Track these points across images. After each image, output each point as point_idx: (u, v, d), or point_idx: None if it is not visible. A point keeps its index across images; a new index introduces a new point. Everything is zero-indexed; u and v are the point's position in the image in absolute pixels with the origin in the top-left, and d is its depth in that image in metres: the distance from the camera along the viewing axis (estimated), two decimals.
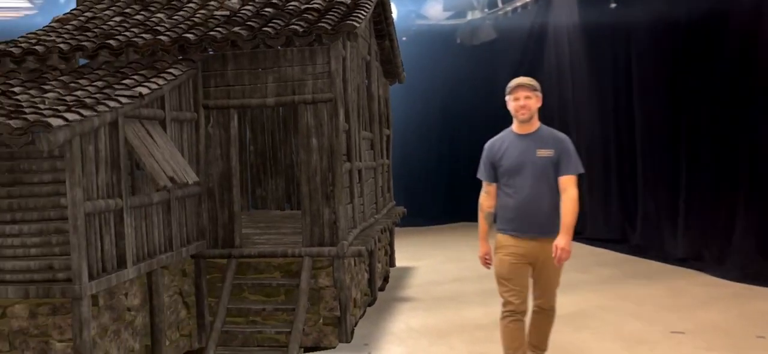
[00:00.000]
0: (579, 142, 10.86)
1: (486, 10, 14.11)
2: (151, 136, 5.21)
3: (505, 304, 4.26)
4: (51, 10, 11.65)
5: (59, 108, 4.53)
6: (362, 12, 6.26)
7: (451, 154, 14.64)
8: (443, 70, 14.62)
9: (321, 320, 6.04)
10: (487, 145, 4.38)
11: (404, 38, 12.98)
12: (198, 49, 6.00)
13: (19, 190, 4.48)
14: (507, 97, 4.25)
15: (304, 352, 5.88)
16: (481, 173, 4.40)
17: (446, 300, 7.54)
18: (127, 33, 6.23)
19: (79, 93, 5.10)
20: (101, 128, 4.66)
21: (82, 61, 6.19)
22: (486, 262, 4.42)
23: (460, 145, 14.28)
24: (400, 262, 9.94)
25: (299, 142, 6.15)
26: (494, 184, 4.34)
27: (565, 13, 11.73)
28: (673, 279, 8.15)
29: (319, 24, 5.91)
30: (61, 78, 5.65)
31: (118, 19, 6.70)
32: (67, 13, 7.06)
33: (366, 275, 7.35)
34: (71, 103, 4.70)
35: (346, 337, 6.03)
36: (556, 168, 4.14)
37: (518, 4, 13.18)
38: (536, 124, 4.25)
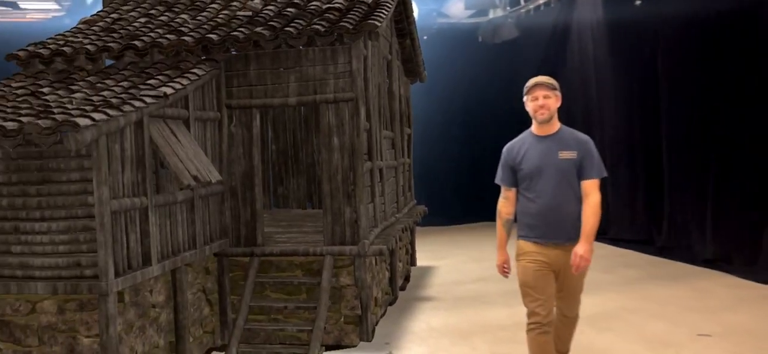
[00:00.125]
0: (603, 142, 10.78)
1: (508, 8, 14.01)
2: (175, 136, 5.27)
3: (531, 315, 4.04)
4: (78, 12, 11.89)
5: (86, 108, 4.61)
6: (384, 11, 6.26)
7: (472, 153, 14.57)
8: (464, 68, 14.55)
9: (342, 319, 6.05)
10: (505, 148, 4.20)
11: (425, 37, 12.95)
12: (221, 49, 6.06)
13: (48, 188, 4.57)
14: (525, 98, 4.07)
15: (326, 350, 5.90)
16: (500, 178, 4.20)
17: (468, 300, 7.51)
18: (151, 34, 6.32)
19: (105, 93, 5.19)
20: (127, 128, 4.74)
21: (108, 62, 6.30)
22: (504, 271, 4.22)
23: (481, 144, 14.20)
24: (421, 261, 9.92)
25: (321, 142, 6.17)
26: (514, 190, 4.14)
27: (588, 11, 11.58)
28: (699, 280, 8.00)
29: (341, 23, 5.92)
30: (88, 78, 5.76)
31: (143, 20, 6.80)
32: (94, 14, 7.19)
33: (387, 274, 7.35)
34: (98, 103, 4.79)
35: (367, 335, 6.03)
36: (579, 171, 3.96)
37: (541, 1, 13.06)
38: (556, 124, 4.07)
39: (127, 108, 4.69)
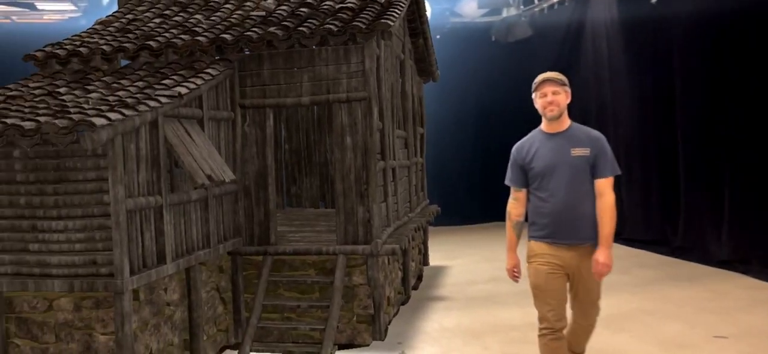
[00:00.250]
0: (618, 141, 10.68)
1: (522, 6, 13.93)
2: (189, 135, 5.31)
3: (542, 319, 3.95)
4: (94, 13, 12.03)
5: (102, 108, 4.66)
6: (396, 10, 6.26)
7: (485, 153, 14.52)
8: (477, 68, 14.50)
9: (355, 318, 6.06)
10: (514, 147, 4.07)
11: (438, 36, 12.93)
12: (235, 49, 6.09)
13: (65, 187, 4.63)
14: (533, 94, 3.95)
15: (338, 349, 5.91)
16: (510, 178, 4.06)
17: (481, 300, 7.48)
18: (166, 34, 6.37)
19: (121, 93, 5.24)
20: (142, 127, 4.78)
21: (124, 62, 6.37)
22: (514, 275, 4.07)
23: (494, 143, 14.12)
24: (434, 261, 9.91)
25: (333, 141, 6.19)
26: (524, 190, 4.01)
27: (603, 9, 11.49)
28: (716, 282, 7.90)
29: (354, 23, 5.93)
30: (103, 79, 5.82)
31: (157, 20, 6.86)
32: (110, 15, 7.26)
33: (400, 274, 7.35)
34: (114, 103, 4.84)
35: (379, 335, 6.04)
36: (592, 169, 3.83)
37: (555, 0, 12.97)
38: (567, 121, 3.94)
39: (142, 108, 4.73)
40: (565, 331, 4.04)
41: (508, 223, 4.10)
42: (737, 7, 8.40)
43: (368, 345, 6.00)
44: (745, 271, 8.16)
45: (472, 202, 14.43)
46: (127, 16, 7.09)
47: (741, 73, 8.41)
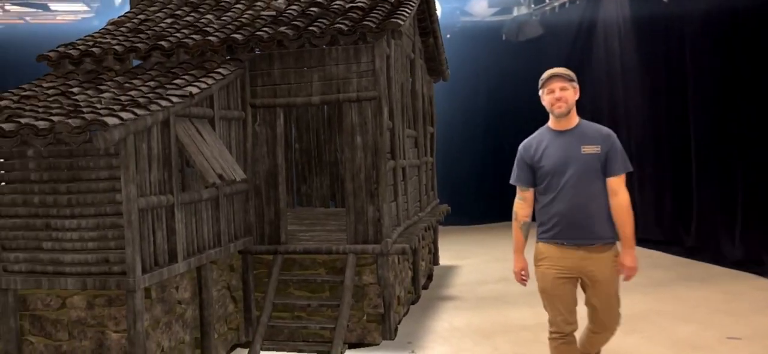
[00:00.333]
0: (630, 140, 10.60)
1: (532, 5, 13.86)
2: (200, 135, 5.34)
3: (552, 323, 3.86)
4: (107, 13, 12.11)
5: (115, 107, 4.70)
6: (406, 10, 6.25)
7: (496, 153, 14.46)
8: (488, 67, 14.45)
9: (365, 317, 6.07)
10: (522, 146, 3.93)
11: (448, 35, 12.90)
12: (245, 48, 6.12)
13: (78, 186, 4.67)
14: (540, 91, 3.82)
15: (349, 348, 5.92)
16: (516, 178, 3.92)
17: (491, 300, 7.46)
18: (177, 34, 6.41)
19: (133, 93, 5.28)
20: (154, 127, 4.81)
21: (136, 62, 6.41)
22: (522, 278, 3.95)
23: (505, 143, 14.05)
24: (444, 260, 9.89)
25: (344, 140, 6.19)
26: (531, 190, 3.87)
27: (615, 8, 11.41)
28: (729, 283, 7.82)
29: (364, 22, 5.93)
30: (116, 78, 5.87)
31: (169, 20, 6.90)
32: (122, 15, 7.32)
33: (410, 273, 7.35)
34: (126, 103, 4.88)
35: (389, 334, 6.04)
36: (604, 166, 3.71)
37: None
38: (575, 118, 3.81)
39: (154, 107, 4.76)
40: (578, 335, 3.93)
41: (514, 224, 3.96)
42: (750, 4, 8.30)
43: (378, 344, 6.00)
44: (759, 272, 8.06)
45: (483, 201, 14.38)
46: (139, 17, 7.14)
47: (754, 71, 8.32)
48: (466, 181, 14.45)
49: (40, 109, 4.88)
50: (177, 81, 5.53)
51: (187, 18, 6.93)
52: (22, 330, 4.84)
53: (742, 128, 8.62)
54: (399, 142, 6.73)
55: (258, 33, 6.10)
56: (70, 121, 4.32)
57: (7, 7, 13.39)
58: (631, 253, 3.71)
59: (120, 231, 4.56)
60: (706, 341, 5.62)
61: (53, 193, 4.71)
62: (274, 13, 6.65)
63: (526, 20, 13.78)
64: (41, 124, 4.35)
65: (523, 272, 3.96)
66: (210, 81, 5.56)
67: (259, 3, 7.04)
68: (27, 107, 4.98)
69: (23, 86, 5.85)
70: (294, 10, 6.64)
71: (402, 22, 5.96)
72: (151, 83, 5.59)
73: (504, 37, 14.31)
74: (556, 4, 13.19)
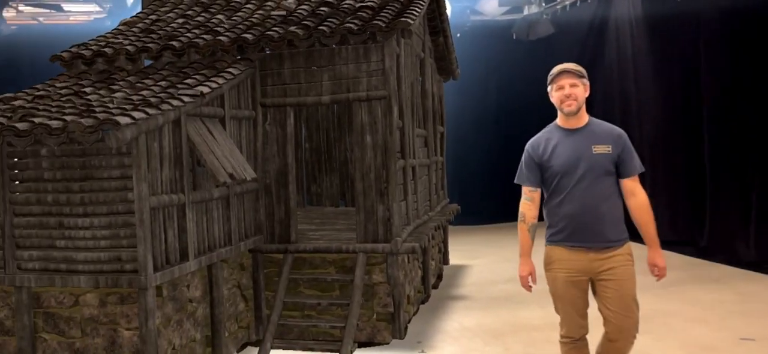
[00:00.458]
0: (642, 140, 10.51)
1: (543, 4, 13.79)
2: (211, 134, 5.37)
3: (562, 327, 3.77)
4: (119, 14, 12.22)
5: (127, 107, 4.74)
6: (416, 9, 6.25)
7: (506, 152, 14.35)
8: (498, 66, 14.40)
9: (375, 316, 6.07)
10: (529, 144, 3.76)
11: (458, 34, 12.87)
12: (256, 48, 6.14)
13: (90, 184, 4.71)
14: (549, 87, 3.68)
15: (358, 347, 5.93)
16: (523, 177, 3.75)
17: (501, 300, 7.43)
18: (188, 34, 6.45)
19: (144, 92, 5.32)
20: (165, 126, 4.85)
21: (147, 62, 6.46)
22: (528, 284, 3.76)
23: (515, 143, 13.93)
24: (454, 260, 9.87)
25: (353, 140, 6.20)
26: (539, 190, 3.72)
27: (626, 6, 11.33)
28: (743, 283, 7.74)
29: (374, 22, 5.93)
30: (128, 78, 5.92)
31: (180, 21, 6.95)
32: (133, 16, 7.37)
33: (420, 272, 7.34)
34: (137, 102, 4.91)
35: (399, 333, 6.04)
36: (616, 166, 3.59)
37: None
38: (585, 116, 3.67)
39: (165, 107, 4.79)
40: (594, 347, 3.80)
41: (521, 226, 3.76)
42: (765, 1, 8.21)
43: (388, 343, 6.00)
44: None
45: (493, 201, 14.33)
46: (151, 17, 7.19)
47: None
48: (476, 180, 14.42)
49: (54, 109, 4.93)
50: (188, 81, 5.57)
51: (198, 18, 6.97)
52: (35, 327, 4.89)
53: (757, 128, 8.53)
54: (409, 142, 6.73)
55: (268, 33, 6.12)
56: (82, 120, 4.36)
57: (21, 8, 13.54)
58: (660, 253, 3.62)
59: (132, 229, 4.59)
60: (720, 342, 5.57)
61: (66, 192, 4.75)
62: (284, 12, 6.67)
63: (537, 19, 13.72)
64: (54, 123, 4.39)
65: (529, 277, 3.75)
66: (221, 81, 5.58)
67: (269, 3, 7.06)
68: (40, 107, 5.04)
69: (37, 86, 5.92)
70: (304, 9, 6.66)
71: (412, 21, 5.95)
72: (163, 83, 5.62)
73: (514, 36, 14.25)
74: (567, 2, 13.12)
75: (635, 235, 3.74)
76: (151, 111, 4.62)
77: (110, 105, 4.89)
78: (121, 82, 5.80)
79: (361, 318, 5.98)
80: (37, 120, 4.48)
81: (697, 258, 9.37)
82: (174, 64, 6.19)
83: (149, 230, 4.56)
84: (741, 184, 8.81)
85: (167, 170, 4.86)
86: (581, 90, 3.63)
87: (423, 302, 7.40)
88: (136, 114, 4.48)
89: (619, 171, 3.62)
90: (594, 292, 3.71)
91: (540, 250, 3.81)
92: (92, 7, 13.91)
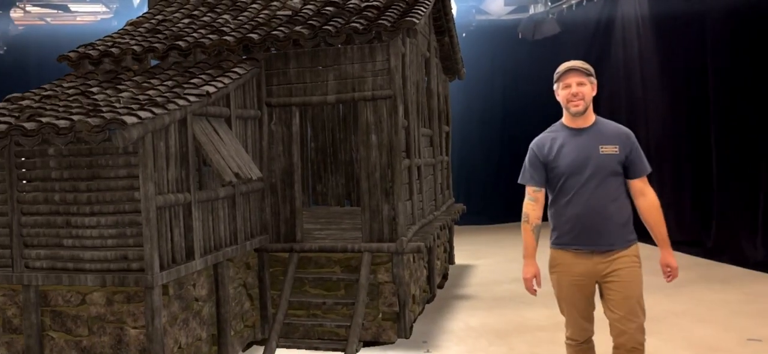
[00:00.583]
0: (649, 139, 10.47)
1: (549, 3, 13.75)
2: (217, 133, 5.39)
3: (567, 328, 3.72)
4: (125, 14, 12.27)
5: (133, 106, 4.76)
6: (422, 8, 6.25)
7: (511, 152, 14.35)
8: (504, 66, 14.38)
9: (380, 315, 6.07)
10: (534, 143, 3.67)
11: (464, 34, 12.85)
12: (261, 48, 6.16)
13: (97, 184, 4.74)
14: (555, 85, 3.59)
15: (364, 346, 5.93)
16: (527, 177, 3.65)
17: (507, 300, 7.42)
18: (194, 34, 6.47)
19: (151, 92, 5.34)
20: (171, 126, 4.87)
21: (154, 62, 6.49)
22: (532, 287, 3.64)
23: (520, 142, 13.87)
24: (459, 259, 9.87)
25: (359, 139, 6.20)
26: (543, 190, 3.62)
27: (633, 5, 11.28)
28: (750, 284, 7.70)
29: (379, 21, 5.94)
30: (134, 78, 5.94)
31: (186, 21, 6.97)
32: (140, 16, 7.40)
33: (425, 272, 7.34)
34: (144, 102, 4.94)
35: (404, 333, 6.04)
36: (624, 167, 3.51)
37: None
38: (592, 116, 3.57)
39: (171, 106, 4.81)
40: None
41: (525, 227, 3.65)
42: None
43: (393, 343, 6.00)
44: None
45: (498, 201, 14.31)
46: (157, 17, 7.22)
47: None
48: (481, 180, 14.40)
49: (61, 109, 4.96)
50: (194, 80, 5.59)
51: (204, 18, 6.99)
52: (43, 325, 4.92)
53: (764, 127, 8.47)
54: (414, 141, 6.73)
55: (274, 32, 6.14)
56: (89, 120, 4.39)
57: (29, 8, 13.63)
58: (671, 253, 3.57)
59: (138, 228, 4.62)
60: (726, 343, 5.54)
61: (73, 191, 4.78)
62: (289, 12, 6.69)
63: (543, 18, 13.68)
64: (62, 123, 4.42)
65: (534, 280, 3.64)
66: (226, 80, 5.60)
67: (275, 3, 7.08)
68: (48, 106, 5.07)
69: (44, 86, 5.95)
70: (310, 9, 6.67)
71: (417, 21, 5.95)
72: (169, 83, 5.65)
73: (520, 36, 14.22)
74: (573, 1, 13.08)
75: (644, 237, 3.71)
76: (157, 110, 4.64)
77: (117, 105, 4.91)
78: (127, 82, 5.83)
79: (366, 317, 5.99)
80: (44, 120, 4.50)
81: (703, 258, 9.32)
82: (180, 63, 6.21)
83: (155, 229, 4.58)
84: (748, 183, 8.76)
85: (173, 170, 4.88)
86: (589, 89, 3.53)
87: (428, 302, 7.39)
88: (143, 113, 4.50)
89: (628, 172, 3.55)
90: (600, 295, 3.65)
91: (545, 252, 3.76)
92: (99, 8, 13.98)
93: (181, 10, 7.32)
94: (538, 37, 13.68)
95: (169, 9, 7.42)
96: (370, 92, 6.05)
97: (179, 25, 6.88)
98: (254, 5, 7.11)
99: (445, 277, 8.61)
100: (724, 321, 6.21)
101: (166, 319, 4.76)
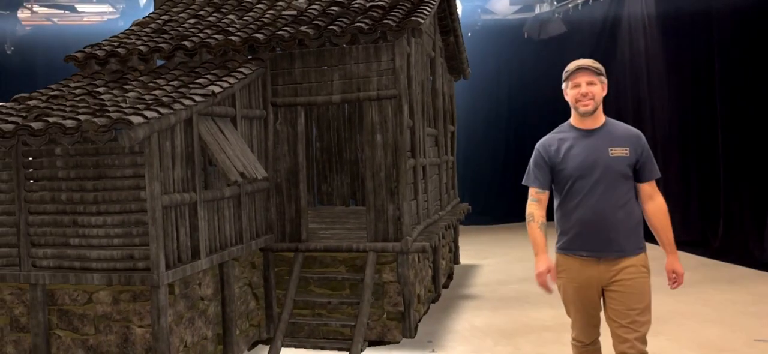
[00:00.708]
0: (655, 139, 10.43)
1: (555, 3, 13.71)
2: (222, 133, 5.40)
3: (573, 329, 3.66)
4: (131, 14, 12.33)
5: (139, 106, 4.78)
6: (427, 8, 6.24)
7: (517, 152, 14.35)
8: (509, 66, 14.36)
9: (385, 315, 6.08)
10: (540, 144, 3.54)
11: (469, 34, 12.85)
12: (267, 48, 6.17)
13: (104, 183, 4.76)
14: (564, 84, 3.45)
15: (369, 346, 5.93)
16: (531, 178, 3.53)
17: (512, 300, 7.41)
18: (200, 34, 6.49)
19: (157, 92, 5.36)
20: (177, 125, 4.88)
21: (160, 62, 6.51)
22: (546, 284, 3.38)
23: (526, 142, 13.89)
24: (464, 259, 9.86)
25: (364, 139, 6.21)
26: (547, 192, 3.50)
27: (640, 4, 11.24)
28: (757, 284, 7.66)
29: (384, 21, 5.94)
30: (140, 78, 5.97)
31: (192, 21, 6.99)
32: (146, 16, 7.43)
33: (430, 272, 7.34)
34: (150, 102, 4.96)
35: (409, 332, 6.04)
36: (634, 170, 3.40)
37: None
38: (602, 117, 3.44)
39: (177, 106, 4.83)
40: None
41: (531, 224, 3.49)
42: None
43: (398, 342, 6.00)
44: None
45: (504, 200, 14.29)
46: (163, 17, 7.24)
47: None
48: (486, 180, 14.38)
49: (68, 109, 4.98)
50: (200, 80, 5.61)
51: (210, 18, 7.01)
52: (50, 324, 4.95)
53: None
54: (419, 141, 6.72)
55: (279, 32, 6.15)
56: (96, 119, 4.41)
57: (36, 9, 13.71)
58: (677, 258, 3.50)
59: (144, 228, 4.64)
60: (733, 344, 5.51)
61: (80, 191, 4.81)
62: (295, 12, 6.70)
63: (549, 18, 13.65)
64: (68, 122, 4.44)
65: (549, 273, 3.37)
66: (232, 80, 5.61)
67: (280, 3, 7.09)
68: (55, 106, 5.10)
69: (51, 86, 5.99)
70: (315, 9, 6.68)
71: (422, 21, 5.95)
72: (175, 83, 5.67)
73: (526, 35, 14.19)
74: (579, 0, 13.04)
75: (649, 237, 3.65)
76: (163, 110, 4.66)
77: (123, 104, 4.94)
78: (133, 82, 5.85)
79: (371, 317, 5.99)
80: (51, 119, 4.53)
81: (710, 258, 9.28)
82: (186, 63, 6.23)
83: (161, 229, 4.60)
84: (755, 184, 8.71)
85: (179, 169, 4.90)
86: (599, 88, 3.40)
87: (433, 301, 7.39)
88: (149, 113, 4.52)
89: (638, 175, 3.44)
90: (603, 301, 3.53)
91: (550, 255, 3.67)
92: (105, 8, 14.05)
93: (187, 11, 7.35)
94: (544, 37, 13.65)
95: (175, 9, 7.45)
96: (375, 92, 6.05)
97: (185, 25, 6.90)
98: (259, 5, 7.13)
99: (450, 276, 8.60)
100: (730, 321, 6.18)
101: (171, 318, 4.77)
